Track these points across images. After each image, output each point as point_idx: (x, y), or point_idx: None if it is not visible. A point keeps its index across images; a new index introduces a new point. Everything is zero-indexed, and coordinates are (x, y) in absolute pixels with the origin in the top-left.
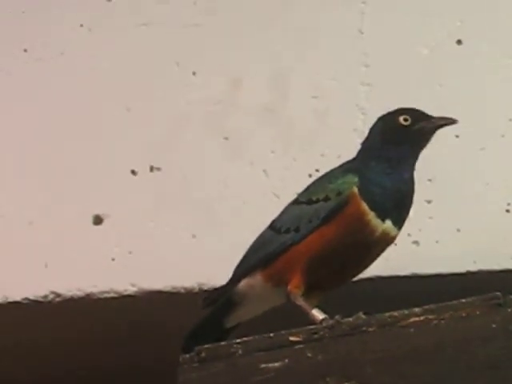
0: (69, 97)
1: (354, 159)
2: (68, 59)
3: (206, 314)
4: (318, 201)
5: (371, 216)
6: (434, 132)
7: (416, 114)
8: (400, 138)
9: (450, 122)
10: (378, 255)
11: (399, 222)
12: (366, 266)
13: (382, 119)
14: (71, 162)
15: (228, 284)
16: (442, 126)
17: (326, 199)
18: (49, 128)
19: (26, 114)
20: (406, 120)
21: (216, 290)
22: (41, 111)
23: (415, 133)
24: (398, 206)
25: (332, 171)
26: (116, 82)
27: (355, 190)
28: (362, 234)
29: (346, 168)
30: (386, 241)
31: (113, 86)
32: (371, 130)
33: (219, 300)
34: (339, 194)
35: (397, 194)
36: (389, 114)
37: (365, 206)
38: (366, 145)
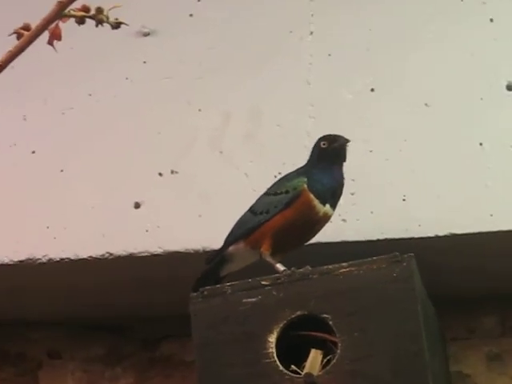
0: (124, 122)
1: (303, 166)
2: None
3: (207, 268)
4: (281, 193)
5: (316, 202)
6: (343, 150)
7: (330, 139)
8: (323, 155)
9: (347, 141)
10: (320, 228)
11: (334, 206)
12: (313, 236)
13: (315, 144)
14: (121, 166)
15: (221, 248)
16: (344, 144)
17: (287, 192)
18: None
19: (103, 129)
20: (324, 144)
21: (214, 251)
22: (111, 129)
23: (331, 152)
24: (333, 195)
25: (289, 174)
26: (152, 115)
27: (305, 186)
28: (310, 215)
29: (298, 172)
30: (326, 219)
31: (150, 118)
32: (312, 149)
33: (216, 258)
34: (295, 188)
35: (331, 188)
36: (317, 140)
37: (312, 196)
38: (310, 159)
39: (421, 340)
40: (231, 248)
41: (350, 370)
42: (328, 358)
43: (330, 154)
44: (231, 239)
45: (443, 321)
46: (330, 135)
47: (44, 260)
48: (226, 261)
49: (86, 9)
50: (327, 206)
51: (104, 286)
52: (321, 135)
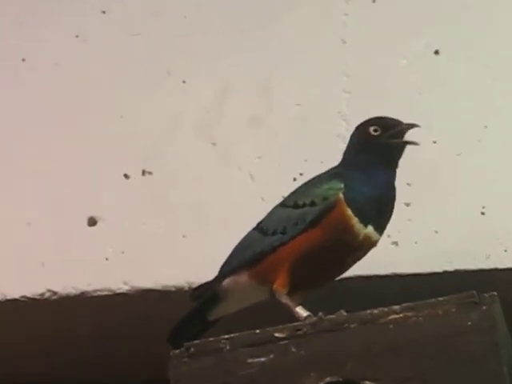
0: (65, 104)
1: (338, 166)
2: (63, 68)
3: (191, 308)
4: (304, 205)
5: (355, 221)
6: (404, 146)
7: (384, 123)
8: (373, 148)
9: (413, 125)
10: (359, 258)
11: (380, 228)
12: (348, 268)
13: (356, 129)
14: (68, 165)
15: (214, 279)
16: (407, 129)
17: (312, 204)
18: (47, 134)
19: (24, 120)
20: (375, 130)
21: (203, 284)
22: (38, 118)
23: (385, 144)
24: (379, 212)
25: (318, 177)
26: (110, 89)
27: (341, 195)
28: (345, 238)
29: (331, 174)
30: (368, 245)
31: (107, 94)
32: (350, 139)
33: (205, 294)
34: (325, 199)
35: (379, 200)
36: (361, 124)
37: (349, 212)
38: (347, 153)
39: None
40: (227, 281)
41: None
42: None
43: (383, 148)
44: (229, 268)
45: None
46: (384, 118)
47: None
48: (219, 299)
49: None
50: (370, 227)
51: (43, 339)
52: (363, 117)
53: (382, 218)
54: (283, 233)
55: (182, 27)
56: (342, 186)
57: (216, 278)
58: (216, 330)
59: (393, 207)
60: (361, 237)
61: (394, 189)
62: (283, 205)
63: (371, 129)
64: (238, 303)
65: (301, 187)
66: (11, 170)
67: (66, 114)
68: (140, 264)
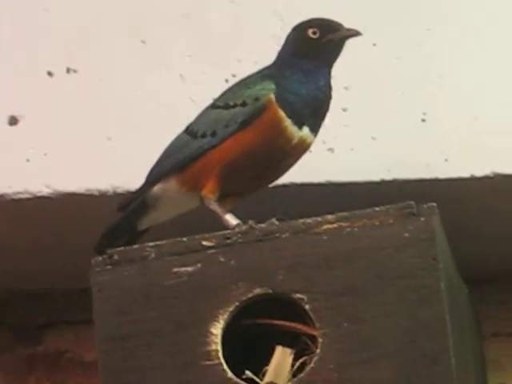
0: None
1: (271, 66)
2: None
3: (119, 217)
4: (235, 106)
5: (288, 123)
6: (342, 45)
7: (324, 26)
8: (310, 50)
9: (355, 33)
10: (294, 162)
11: (315, 129)
12: (281, 173)
13: (293, 30)
14: None
15: (142, 187)
16: (347, 37)
17: (244, 104)
18: None
19: None
20: (314, 33)
21: (130, 193)
22: None
23: (324, 46)
24: (314, 112)
25: (249, 77)
26: None
27: (272, 96)
28: (278, 141)
29: (263, 74)
30: (303, 147)
31: None
32: (286, 40)
33: (133, 203)
34: (257, 99)
35: (313, 101)
36: (299, 25)
37: (282, 113)
38: (281, 54)
39: (445, 336)
40: (156, 188)
41: (336, 380)
42: (302, 360)
43: (320, 51)
44: (157, 175)
45: (480, 307)
46: (325, 20)
47: None
48: (148, 207)
49: None
50: (305, 128)
51: None
52: (300, 18)
53: (317, 118)
54: (213, 135)
55: None
56: (274, 86)
57: (144, 185)
58: (144, 239)
59: (328, 107)
60: (295, 140)
61: (330, 87)
62: (214, 106)
63: (310, 31)
64: (169, 211)
65: (232, 87)
66: None
67: None
68: (63, 166)
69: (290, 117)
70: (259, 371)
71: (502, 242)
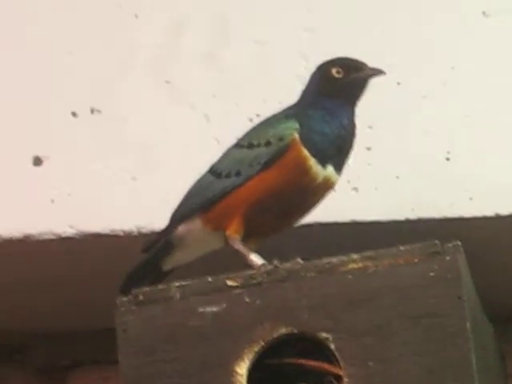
0: (10, 38)
1: (295, 105)
2: (10, 2)
3: (144, 257)
4: (259, 145)
5: (312, 162)
6: (366, 84)
7: (348, 65)
8: (334, 90)
9: (379, 73)
10: (318, 201)
11: (340, 167)
12: (306, 213)
13: (317, 69)
14: (12, 102)
15: (167, 228)
16: (371, 76)
17: (268, 144)
18: None
19: None
20: (338, 72)
21: (155, 233)
22: None
23: (348, 85)
24: (338, 151)
25: (273, 116)
26: (58, 24)
27: (296, 135)
28: (303, 180)
29: (287, 114)
30: (327, 186)
31: (55, 29)
32: (310, 79)
33: (158, 244)
34: (281, 139)
35: (337, 139)
36: (323, 64)
37: (306, 152)
38: (305, 93)
39: (471, 375)
40: (181, 228)
41: None
42: None
43: (344, 90)
44: (181, 214)
45: (505, 346)
46: (349, 59)
47: None
48: (173, 247)
49: None
50: (329, 167)
51: None
52: (324, 57)
53: (341, 157)
54: (237, 175)
55: None
56: (298, 125)
57: (168, 225)
58: (169, 279)
59: (352, 144)
60: (320, 179)
61: (354, 125)
62: (238, 145)
63: (334, 70)
64: (193, 252)
65: (256, 127)
66: None
67: (11, 49)
68: (87, 207)
69: (314, 156)
70: None
71: None
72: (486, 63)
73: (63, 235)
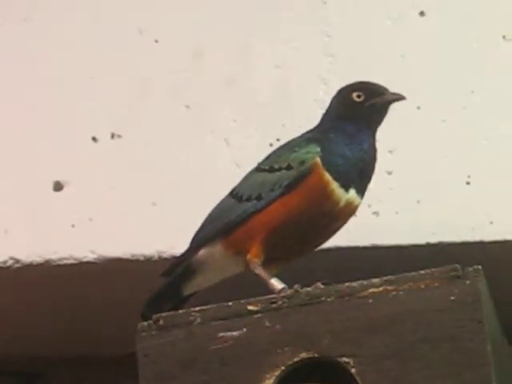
0: (32, 63)
1: (315, 129)
2: (32, 25)
3: (164, 282)
4: (280, 169)
5: (335, 186)
6: (386, 109)
7: (369, 90)
8: (354, 114)
9: (400, 97)
10: (341, 226)
11: (362, 191)
12: (328, 238)
13: (338, 93)
14: (32, 127)
15: (187, 252)
16: (392, 101)
17: (289, 168)
18: (11, 94)
19: None
20: (358, 96)
21: (175, 258)
22: (1, 78)
23: (368, 109)
24: (360, 174)
25: (294, 140)
26: (79, 49)
27: (318, 159)
28: (325, 204)
29: (307, 138)
30: (350, 210)
31: (75, 53)
32: (330, 103)
33: (178, 268)
34: (302, 162)
35: (359, 163)
36: (344, 88)
37: (328, 176)
38: (325, 117)
39: None
40: (201, 252)
41: None
42: None
43: (365, 114)
44: (202, 239)
45: None
46: (370, 84)
47: None
48: (194, 272)
49: None
50: (351, 190)
51: (4, 308)
52: (344, 82)
53: (363, 180)
54: (258, 199)
55: None
56: (319, 149)
57: (188, 249)
58: (189, 304)
59: (373, 168)
60: (342, 203)
61: (375, 149)
62: (258, 169)
63: (354, 94)
64: (214, 276)
65: (277, 150)
66: None
67: (33, 74)
68: (108, 232)
69: (336, 179)
70: None
71: None
72: (505, 87)
73: (84, 260)
